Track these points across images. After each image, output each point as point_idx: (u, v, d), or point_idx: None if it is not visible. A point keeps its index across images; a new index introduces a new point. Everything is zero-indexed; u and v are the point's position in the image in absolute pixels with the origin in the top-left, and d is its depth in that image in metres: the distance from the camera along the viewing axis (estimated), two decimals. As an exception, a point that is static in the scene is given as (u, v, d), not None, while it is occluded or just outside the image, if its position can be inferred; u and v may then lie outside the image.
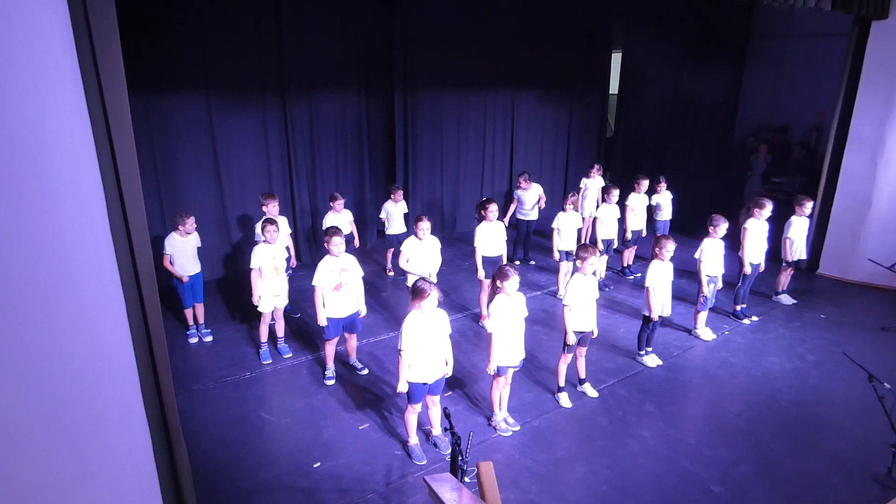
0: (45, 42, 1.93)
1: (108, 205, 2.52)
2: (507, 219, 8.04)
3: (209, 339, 5.91)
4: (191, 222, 5.57)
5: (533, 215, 8.01)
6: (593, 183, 8.47)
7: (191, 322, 5.88)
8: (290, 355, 5.58)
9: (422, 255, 5.64)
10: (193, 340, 5.84)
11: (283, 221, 6.17)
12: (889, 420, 3.94)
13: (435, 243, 5.77)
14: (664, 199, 7.93)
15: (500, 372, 4.37)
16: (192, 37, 6.64)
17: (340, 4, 7.63)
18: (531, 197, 7.91)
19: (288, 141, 7.64)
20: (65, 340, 1.89)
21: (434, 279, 5.73)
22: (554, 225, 6.82)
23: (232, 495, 3.83)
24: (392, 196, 7.49)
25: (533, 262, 8.23)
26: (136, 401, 2.67)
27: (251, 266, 5.29)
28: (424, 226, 5.62)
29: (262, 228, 5.36)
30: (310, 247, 8.18)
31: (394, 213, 7.46)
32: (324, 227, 6.43)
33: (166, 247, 5.53)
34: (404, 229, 7.55)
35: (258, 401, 4.88)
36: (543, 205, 8.07)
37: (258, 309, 5.40)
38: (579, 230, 7.02)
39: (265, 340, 5.53)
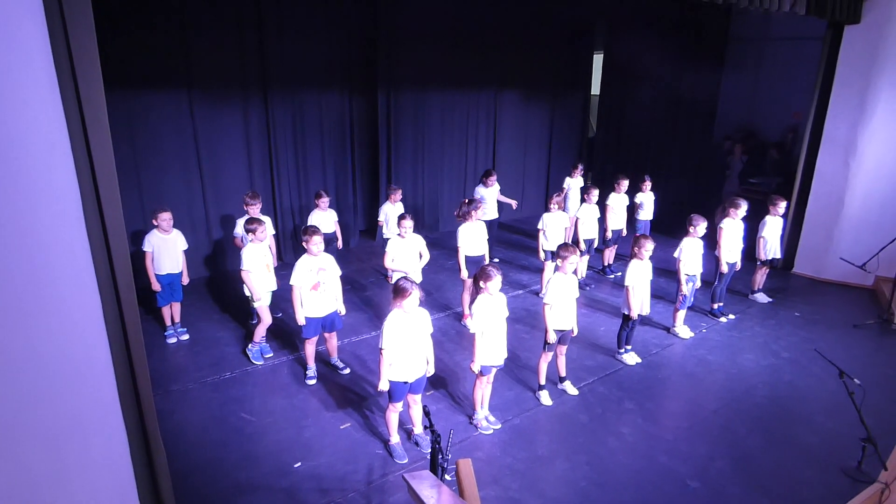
0: (20, 39, 1.91)
1: (84, 203, 2.49)
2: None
3: (185, 337, 5.85)
4: (163, 218, 5.43)
5: (494, 214, 7.96)
6: (576, 182, 8.58)
7: (168, 322, 5.81)
8: (271, 355, 5.55)
9: (406, 253, 5.65)
10: (172, 341, 5.78)
11: (266, 221, 6.12)
12: (859, 415, 4.04)
13: (419, 241, 5.78)
14: (647, 199, 8.02)
15: (483, 371, 4.40)
16: (173, 35, 6.56)
17: (323, 2, 7.60)
18: (492, 195, 7.93)
19: (270, 140, 7.59)
20: (40, 340, 1.87)
21: (420, 277, 5.74)
22: (539, 226, 6.87)
23: (212, 496, 3.80)
24: (390, 197, 7.22)
25: (497, 260, 8.26)
26: (113, 401, 2.65)
27: (243, 267, 5.19)
28: (408, 224, 5.63)
29: (250, 229, 5.25)
30: (294, 245, 8.13)
31: (392, 215, 7.00)
32: (306, 225, 6.41)
33: (145, 243, 5.45)
34: None
35: (239, 401, 4.84)
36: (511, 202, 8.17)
37: (255, 306, 5.34)
38: (566, 230, 7.06)
39: (257, 340, 5.46)
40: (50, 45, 2.28)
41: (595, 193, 7.26)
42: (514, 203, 8.24)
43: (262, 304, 5.32)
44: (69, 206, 2.31)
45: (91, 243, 2.53)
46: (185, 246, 5.68)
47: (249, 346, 5.52)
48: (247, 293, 5.41)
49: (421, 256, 5.76)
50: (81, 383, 2.22)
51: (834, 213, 7.59)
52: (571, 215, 8.12)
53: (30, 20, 2.04)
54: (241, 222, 6.01)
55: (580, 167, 8.80)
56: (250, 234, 5.27)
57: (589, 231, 7.26)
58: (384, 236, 7.24)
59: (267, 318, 5.40)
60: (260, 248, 5.29)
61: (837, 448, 4.37)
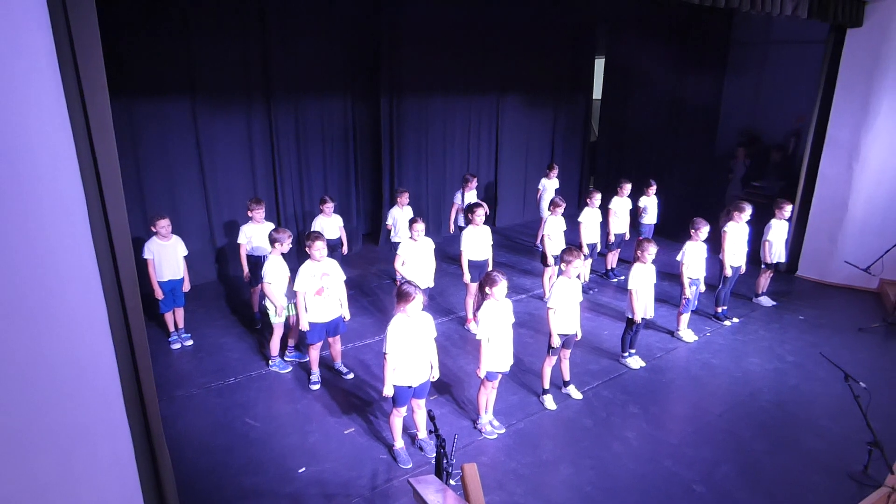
0: (26, 47, 1.92)
1: (90, 210, 2.50)
2: (451, 225, 8.25)
3: (189, 343, 5.85)
4: (162, 224, 5.43)
5: None
6: (551, 184, 8.69)
7: (171, 328, 5.82)
8: (305, 359, 5.45)
9: (417, 256, 5.64)
10: (176, 346, 5.78)
11: (269, 228, 6.12)
12: (865, 419, 4.03)
13: (429, 245, 5.78)
14: (652, 203, 8.01)
15: (489, 378, 4.39)
16: (176, 42, 6.59)
17: (326, 9, 7.64)
18: (473, 199, 7.98)
19: (273, 146, 7.61)
20: (46, 347, 1.88)
21: (432, 283, 5.74)
22: (545, 231, 6.87)
23: (217, 501, 3.80)
24: (398, 200, 7.20)
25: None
26: (119, 407, 2.65)
27: (266, 280, 5.05)
28: (419, 227, 5.62)
29: (276, 239, 5.09)
30: (297, 250, 8.12)
31: (400, 219, 6.95)
32: (309, 230, 6.41)
33: (145, 251, 5.44)
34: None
35: (243, 406, 4.84)
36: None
37: (273, 321, 5.25)
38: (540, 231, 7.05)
39: (276, 354, 5.40)
40: (55, 50, 2.30)
41: (597, 197, 7.26)
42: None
43: (280, 319, 5.23)
44: (74, 211, 2.32)
45: (96, 249, 2.54)
46: (185, 252, 5.67)
47: (270, 362, 5.43)
48: (269, 307, 5.22)
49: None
50: (87, 389, 2.23)
51: (838, 216, 7.57)
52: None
53: (35, 26, 2.06)
54: (244, 229, 6.02)
55: (556, 168, 8.91)
56: (276, 244, 5.09)
57: (591, 235, 7.25)
58: (393, 240, 7.24)
59: (279, 332, 5.32)
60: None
61: (843, 452, 4.35)
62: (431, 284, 5.78)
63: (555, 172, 8.87)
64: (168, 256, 5.54)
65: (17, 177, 1.74)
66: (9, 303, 1.67)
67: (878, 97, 7.08)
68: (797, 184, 7.97)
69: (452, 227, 8.26)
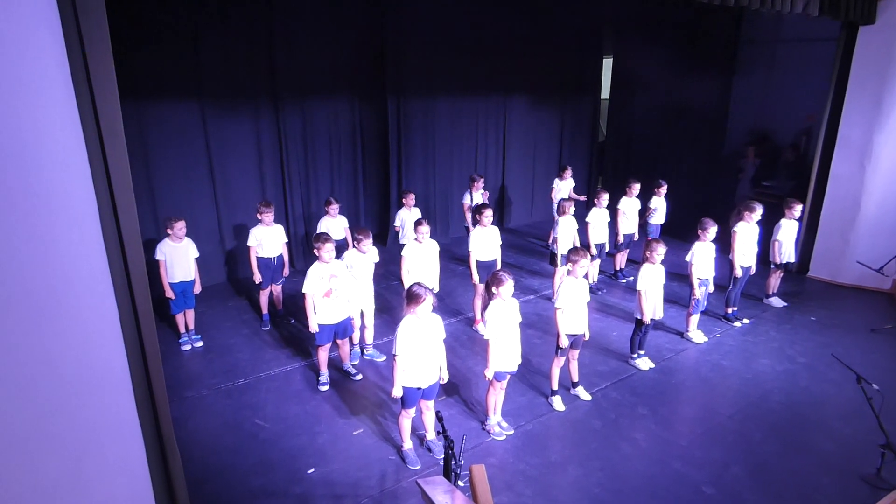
0: (37, 50, 1.95)
1: (101, 212, 2.53)
2: (470, 225, 8.12)
3: (199, 344, 5.89)
4: (179, 227, 5.49)
5: None
6: (566, 185, 8.67)
7: (182, 329, 5.86)
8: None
9: (423, 258, 5.64)
10: (186, 348, 5.82)
11: (279, 230, 6.17)
12: (877, 421, 3.98)
13: (434, 247, 5.78)
14: (661, 203, 7.97)
15: (497, 378, 4.39)
16: (185, 45, 6.66)
17: (332, 12, 7.67)
18: (480, 200, 7.98)
19: (281, 148, 7.66)
20: (58, 348, 1.90)
21: (437, 288, 5.72)
22: (557, 233, 6.85)
23: (226, 501, 3.82)
24: (404, 202, 7.24)
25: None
26: (130, 409, 2.68)
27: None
28: (424, 230, 5.62)
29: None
30: (305, 251, 8.18)
31: (409, 221, 6.96)
32: (317, 232, 6.43)
33: (157, 252, 5.50)
34: None
35: (252, 408, 4.87)
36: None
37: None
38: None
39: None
40: (66, 56, 2.32)
41: (605, 197, 7.24)
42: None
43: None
44: (86, 214, 2.35)
45: (107, 251, 2.57)
46: (196, 254, 5.72)
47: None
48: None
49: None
50: (99, 390, 2.25)
51: (850, 216, 7.49)
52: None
53: (47, 32, 2.08)
54: (254, 232, 6.05)
55: (569, 169, 8.88)
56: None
57: (599, 235, 7.23)
58: (401, 242, 7.25)
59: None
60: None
61: (855, 454, 4.30)
62: (436, 288, 5.74)
63: (568, 174, 8.85)
64: (179, 258, 5.59)
65: (30, 180, 1.77)
66: (20, 305, 1.69)
67: (892, 95, 7.01)
68: (808, 183, 7.90)
69: (471, 227, 8.22)
